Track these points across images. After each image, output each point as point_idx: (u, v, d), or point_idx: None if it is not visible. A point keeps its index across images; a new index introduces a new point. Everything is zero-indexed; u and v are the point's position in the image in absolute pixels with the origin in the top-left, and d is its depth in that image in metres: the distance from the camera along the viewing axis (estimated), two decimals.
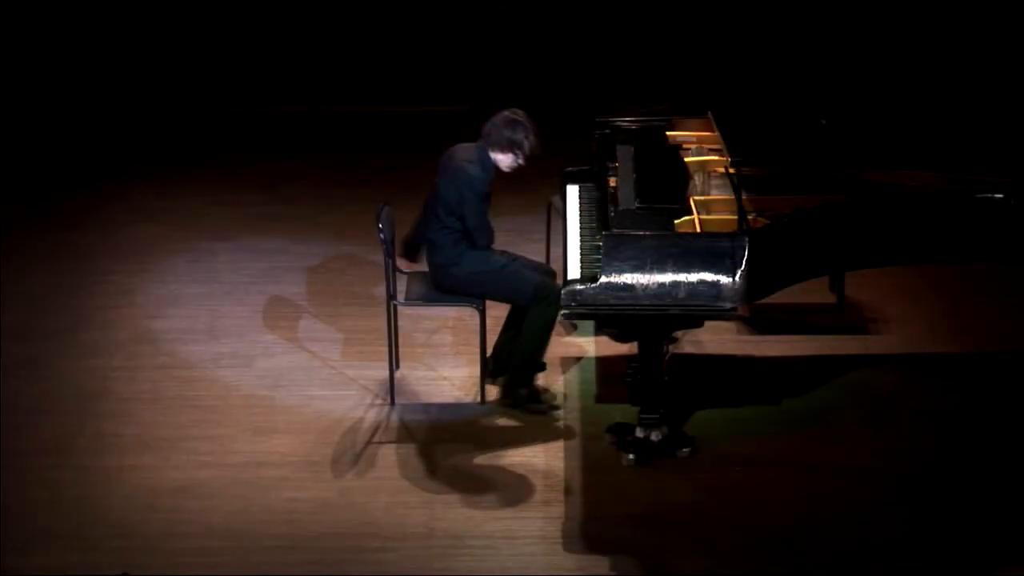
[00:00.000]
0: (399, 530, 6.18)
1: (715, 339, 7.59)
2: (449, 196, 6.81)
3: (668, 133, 7.54)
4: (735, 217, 6.49)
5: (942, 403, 7.08)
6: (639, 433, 6.61)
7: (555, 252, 8.07)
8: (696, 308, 6.26)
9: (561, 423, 6.94)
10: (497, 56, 11.55)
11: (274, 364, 7.48)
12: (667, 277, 6.22)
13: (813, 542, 6.10)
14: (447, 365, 7.43)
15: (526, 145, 6.79)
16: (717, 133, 7.12)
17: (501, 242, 7.11)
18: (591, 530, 6.18)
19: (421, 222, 7.08)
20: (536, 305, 6.81)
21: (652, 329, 6.45)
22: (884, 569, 5.96)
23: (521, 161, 6.86)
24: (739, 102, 7.51)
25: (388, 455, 6.72)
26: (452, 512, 6.32)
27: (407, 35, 11.68)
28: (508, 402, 7.02)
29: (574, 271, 6.63)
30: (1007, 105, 7.61)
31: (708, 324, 6.62)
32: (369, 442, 6.83)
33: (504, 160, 6.85)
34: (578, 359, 7.49)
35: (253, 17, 11.66)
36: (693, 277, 6.22)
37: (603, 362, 7.46)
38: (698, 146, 7.30)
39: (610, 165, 7.27)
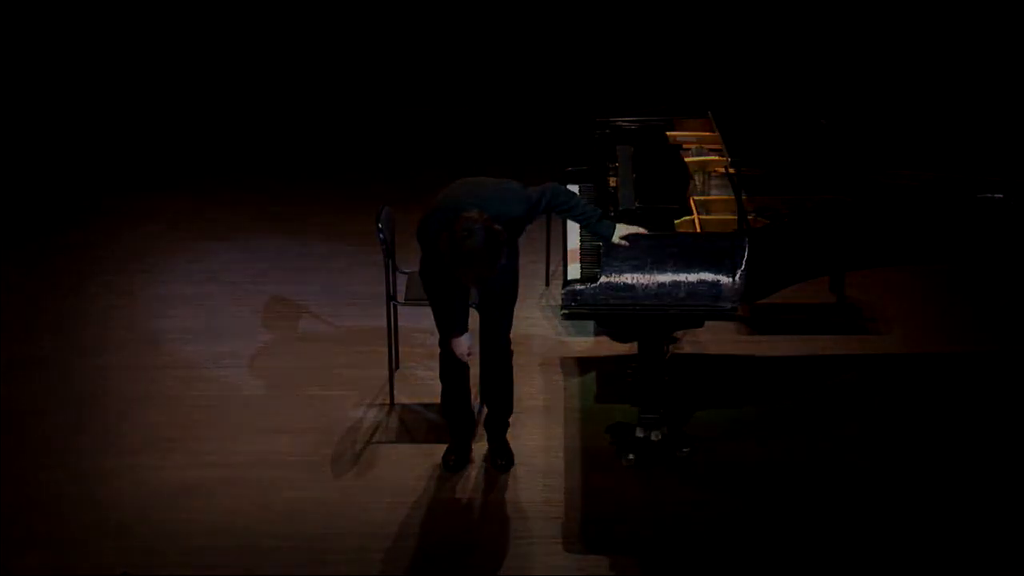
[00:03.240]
0: (399, 530, 6.18)
1: (715, 339, 7.59)
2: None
3: (668, 133, 7.53)
4: (735, 217, 6.49)
5: (942, 403, 7.08)
6: (639, 433, 6.61)
7: (555, 252, 8.08)
8: (696, 308, 6.26)
9: (561, 423, 6.94)
10: (497, 56, 11.56)
11: (274, 364, 7.48)
12: (667, 277, 6.22)
13: (812, 542, 6.10)
14: None
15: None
16: (717, 133, 7.13)
17: None
18: (591, 530, 6.18)
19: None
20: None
21: (652, 329, 6.44)
22: (882, 569, 5.96)
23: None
24: (739, 102, 7.52)
25: (388, 455, 6.72)
26: (452, 512, 6.32)
27: (407, 35, 11.69)
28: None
29: (574, 271, 6.62)
30: (1007, 105, 7.62)
31: (708, 324, 6.62)
32: (369, 442, 6.83)
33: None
34: (578, 359, 7.49)
35: (253, 17, 11.67)
36: (693, 277, 6.22)
37: (603, 362, 7.46)
38: (698, 146, 7.30)
39: (610, 165, 7.26)
